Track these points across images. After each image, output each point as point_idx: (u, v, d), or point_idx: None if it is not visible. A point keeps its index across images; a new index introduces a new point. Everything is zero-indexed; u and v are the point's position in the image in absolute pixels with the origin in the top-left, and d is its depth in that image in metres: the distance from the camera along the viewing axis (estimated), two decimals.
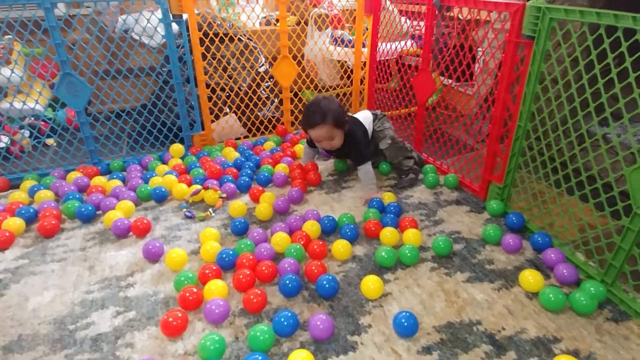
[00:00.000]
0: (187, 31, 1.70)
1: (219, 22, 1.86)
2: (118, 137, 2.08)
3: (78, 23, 2.13)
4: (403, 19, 2.18)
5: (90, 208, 1.37)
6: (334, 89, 2.56)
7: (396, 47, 2.06)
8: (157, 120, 1.94)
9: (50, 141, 2.03)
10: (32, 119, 2.00)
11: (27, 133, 1.97)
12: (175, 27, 1.77)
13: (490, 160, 1.45)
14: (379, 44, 2.08)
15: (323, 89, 2.63)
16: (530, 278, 1.06)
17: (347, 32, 2.42)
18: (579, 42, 1.05)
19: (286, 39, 1.89)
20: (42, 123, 1.99)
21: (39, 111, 1.97)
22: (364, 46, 2.24)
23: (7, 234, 1.24)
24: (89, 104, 1.89)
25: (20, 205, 1.38)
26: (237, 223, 1.29)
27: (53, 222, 1.29)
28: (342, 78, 2.59)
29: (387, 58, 2.13)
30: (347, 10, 2.44)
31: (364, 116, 1.68)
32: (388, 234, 1.24)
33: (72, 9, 2.21)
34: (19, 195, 1.46)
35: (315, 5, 2.51)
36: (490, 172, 1.47)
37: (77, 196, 1.45)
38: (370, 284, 1.03)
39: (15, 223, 1.28)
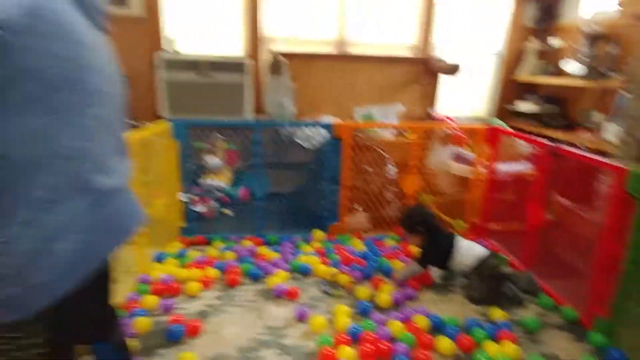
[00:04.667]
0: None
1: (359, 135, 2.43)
2: (274, 214, 2.72)
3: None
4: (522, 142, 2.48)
5: (259, 271, 1.91)
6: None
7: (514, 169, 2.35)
8: (304, 206, 2.52)
9: (226, 211, 2.75)
10: (219, 193, 2.77)
11: (215, 203, 2.72)
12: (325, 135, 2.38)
13: (595, 292, 1.59)
14: (498, 164, 2.40)
15: (439, 195, 2.98)
16: None
17: (468, 150, 2.79)
18: None
19: (415, 157, 2.35)
20: (224, 197, 2.73)
21: (224, 187, 2.73)
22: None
23: (210, 279, 1.83)
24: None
25: (215, 261, 2.00)
26: (362, 305, 1.67)
27: (236, 277, 1.85)
28: (458, 186, 2.92)
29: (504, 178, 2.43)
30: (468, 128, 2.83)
31: (468, 246, 1.84)
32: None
33: None
34: (213, 252, 2.10)
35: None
36: (594, 305, 1.60)
37: (250, 260, 2.02)
38: None
39: (214, 272, 1.88)
